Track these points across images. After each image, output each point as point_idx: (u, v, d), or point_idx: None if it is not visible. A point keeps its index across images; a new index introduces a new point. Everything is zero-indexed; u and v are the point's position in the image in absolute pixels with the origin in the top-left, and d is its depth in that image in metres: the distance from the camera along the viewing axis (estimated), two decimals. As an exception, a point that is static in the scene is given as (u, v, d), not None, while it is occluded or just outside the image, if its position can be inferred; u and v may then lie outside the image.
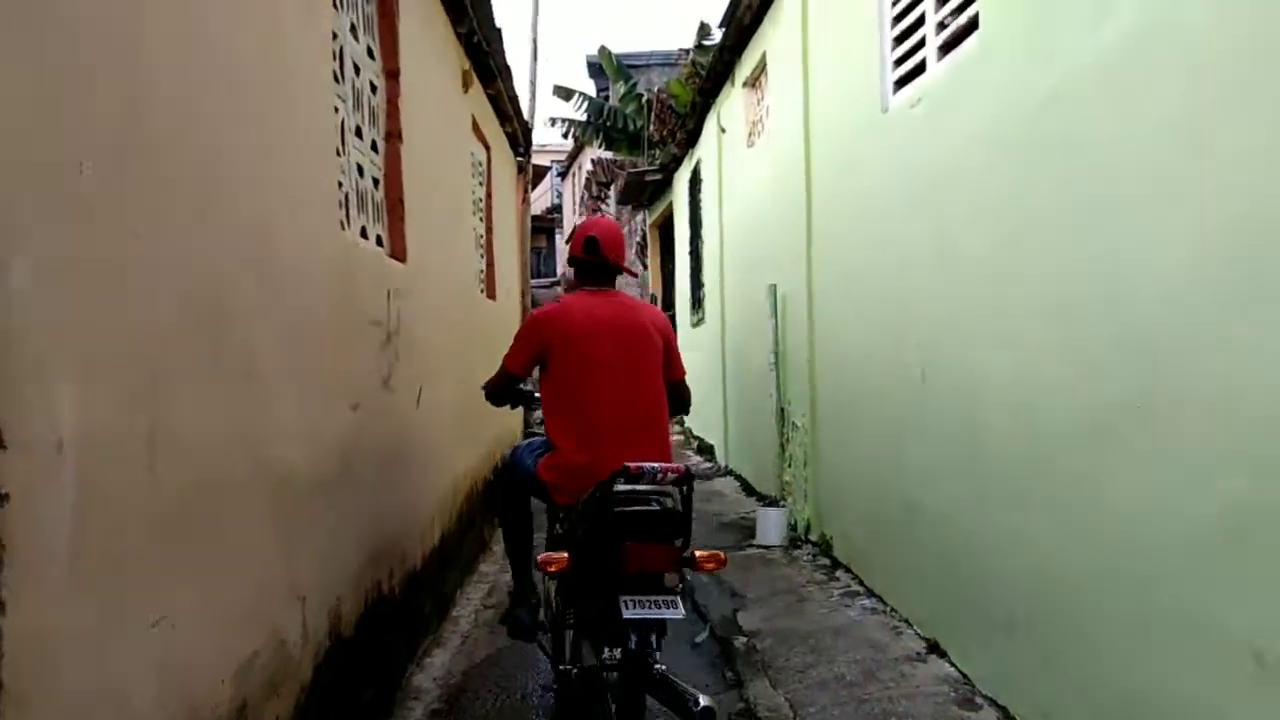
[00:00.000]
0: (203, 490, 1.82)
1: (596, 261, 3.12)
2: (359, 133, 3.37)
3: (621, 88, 15.82)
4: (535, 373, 3.14)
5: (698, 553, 2.49)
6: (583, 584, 2.61)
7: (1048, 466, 2.73)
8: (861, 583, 4.57)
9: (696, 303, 10.11)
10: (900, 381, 3.94)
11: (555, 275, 33.04)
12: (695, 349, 10.30)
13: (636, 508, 2.46)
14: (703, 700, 2.23)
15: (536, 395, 3.17)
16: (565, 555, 2.52)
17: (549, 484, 2.90)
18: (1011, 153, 2.90)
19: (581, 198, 19.60)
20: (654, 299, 15.17)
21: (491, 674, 3.68)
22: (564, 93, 16.11)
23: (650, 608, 2.34)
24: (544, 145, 9.98)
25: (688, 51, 14.70)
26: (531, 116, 8.78)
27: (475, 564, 5.26)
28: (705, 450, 9.45)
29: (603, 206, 18.14)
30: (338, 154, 3.08)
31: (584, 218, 21.36)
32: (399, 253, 3.69)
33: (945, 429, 3.49)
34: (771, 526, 5.50)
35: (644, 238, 15.98)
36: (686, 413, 3.61)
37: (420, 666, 3.65)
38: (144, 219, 1.62)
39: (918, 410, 3.76)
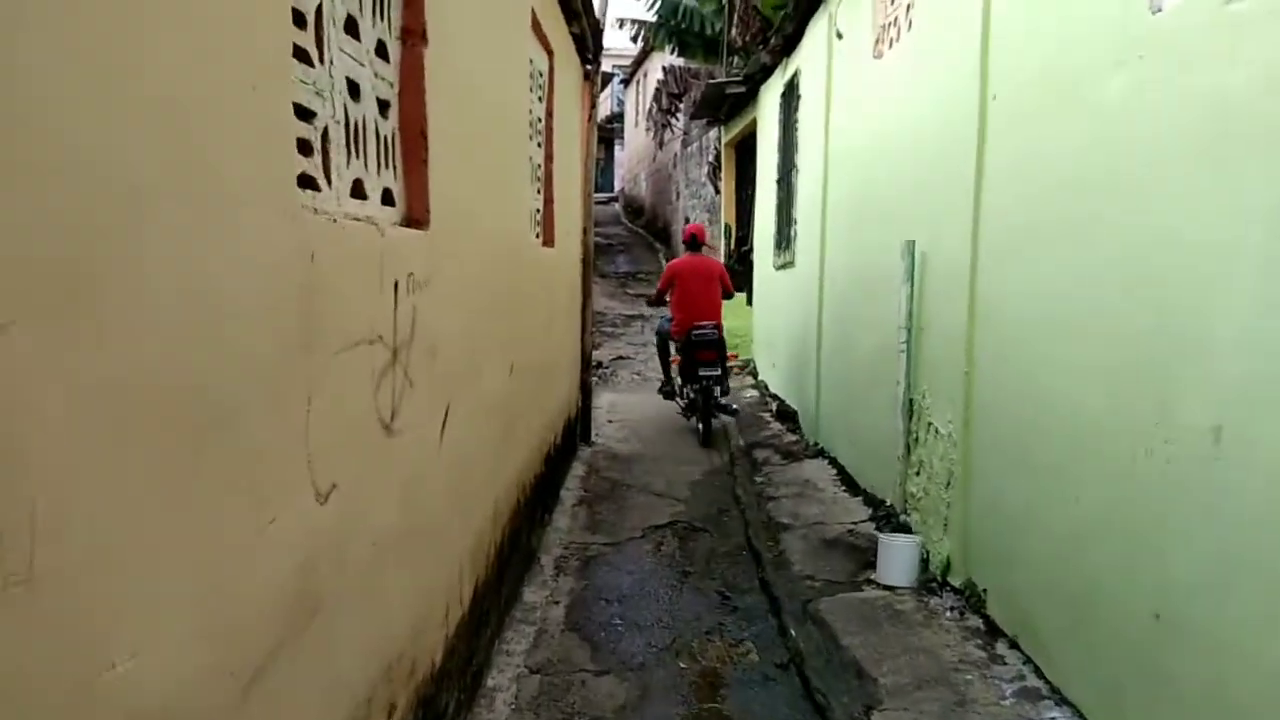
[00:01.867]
0: None
1: (695, 244, 8.32)
2: (352, 28, 2.10)
3: (700, -16, 14.01)
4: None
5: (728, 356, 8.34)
6: (685, 367, 7.86)
7: None
8: (1039, 672, 3.37)
9: (784, 242, 8.70)
10: (1160, 434, 2.64)
11: (614, 190, 31.35)
12: (778, 295, 8.99)
13: (699, 336, 7.66)
14: (734, 406, 8.11)
15: (667, 299, 8.23)
16: (679, 357, 8.04)
17: (671, 333, 8.14)
18: None
19: (649, 110, 17.88)
20: (728, 229, 13.75)
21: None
22: (635, -12, 14.35)
23: (706, 369, 7.61)
24: (608, 49, 8.66)
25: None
26: (603, 15, 7.31)
27: (517, 595, 4.11)
28: (786, 416, 8.19)
29: (672, 121, 16.45)
30: (310, 61, 1.83)
31: (650, 133, 19.66)
32: (418, 214, 2.45)
33: (1263, 529, 2.21)
34: (900, 562, 4.29)
35: (717, 157, 14.40)
36: (731, 298, 8.35)
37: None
38: None
39: (1197, 484, 2.47)
